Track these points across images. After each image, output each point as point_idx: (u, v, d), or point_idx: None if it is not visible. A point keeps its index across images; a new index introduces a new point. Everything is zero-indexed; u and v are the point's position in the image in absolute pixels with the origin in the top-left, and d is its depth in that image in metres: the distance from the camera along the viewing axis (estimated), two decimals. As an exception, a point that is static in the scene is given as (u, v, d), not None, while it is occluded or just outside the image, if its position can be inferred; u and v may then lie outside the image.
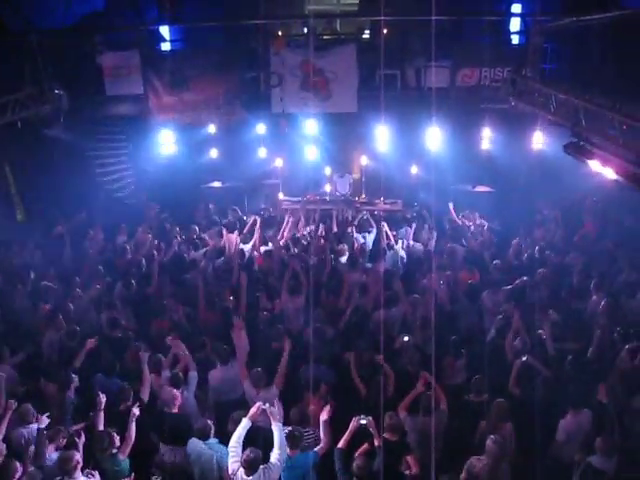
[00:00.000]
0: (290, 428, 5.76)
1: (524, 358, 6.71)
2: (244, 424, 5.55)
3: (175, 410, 6.26)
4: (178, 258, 10.34)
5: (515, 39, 12.92)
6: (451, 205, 12.22)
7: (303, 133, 13.06)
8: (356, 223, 11.94)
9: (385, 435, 5.71)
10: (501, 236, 11.60)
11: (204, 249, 10.74)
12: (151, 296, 8.93)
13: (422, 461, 5.59)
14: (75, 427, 6.17)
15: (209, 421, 5.92)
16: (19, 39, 9.75)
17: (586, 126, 7.84)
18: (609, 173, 7.10)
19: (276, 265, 9.85)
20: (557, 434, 6.13)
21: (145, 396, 6.43)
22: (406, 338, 7.42)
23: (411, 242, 11.03)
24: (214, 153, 13.59)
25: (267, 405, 5.66)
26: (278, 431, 5.52)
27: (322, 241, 10.77)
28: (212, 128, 13.38)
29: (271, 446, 5.47)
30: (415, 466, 5.59)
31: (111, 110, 14.16)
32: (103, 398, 6.01)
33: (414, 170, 13.49)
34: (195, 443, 5.74)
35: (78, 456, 5.30)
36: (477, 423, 6.18)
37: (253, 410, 5.64)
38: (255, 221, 11.32)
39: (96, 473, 5.40)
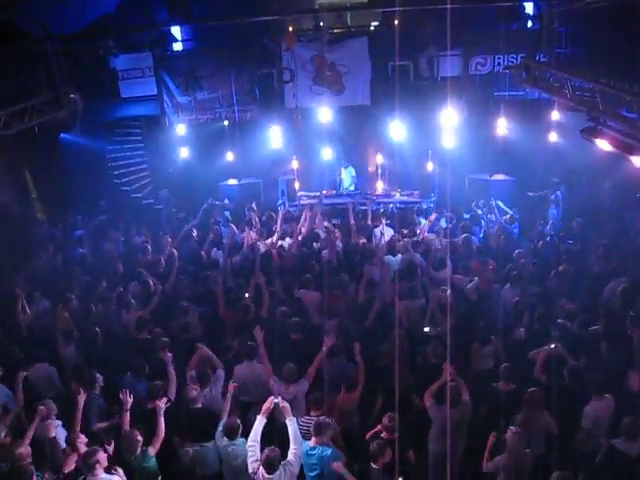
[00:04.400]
0: (316, 418, 5.79)
1: (552, 346, 6.64)
2: (259, 421, 5.54)
3: (199, 405, 6.29)
4: (196, 256, 10.37)
5: (528, 24, 12.76)
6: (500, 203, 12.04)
7: (318, 127, 13.06)
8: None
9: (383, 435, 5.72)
10: (520, 225, 11.50)
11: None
12: (169, 295, 8.98)
13: (445, 451, 5.59)
14: (99, 425, 6.26)
15: (237, 420, 5.89)
16: (34, 45, 9.86)
17: (603, 109, 7.73)
18: (627, 156, 7.02)
19: (293, 260, 9.87)
20: (583, 421, 6.07)
21: (172, 395, 6.47)
22: (427, 329, 7.40)
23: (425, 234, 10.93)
24: (229, 151, 13.63)
25: (279, 399, 5.66)
26: (292, 426, 5.51)
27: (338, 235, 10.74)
28: (226, 126, 13.42)
29: (287, 441, 5.47)
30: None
31: (126, 112, 14.32)
32: (130, 398, 6.01)
33: (430, 160, 13.41)
34: (223, 441, 5.77)
35: (101, 453, 5.34)
36: (505, 412, 6.14)
37: (266, 405, 5.61)
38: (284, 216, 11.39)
39: (119, 470, 5.44)
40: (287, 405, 5.67)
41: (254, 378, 6.84)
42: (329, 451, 5.61)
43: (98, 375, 6.66)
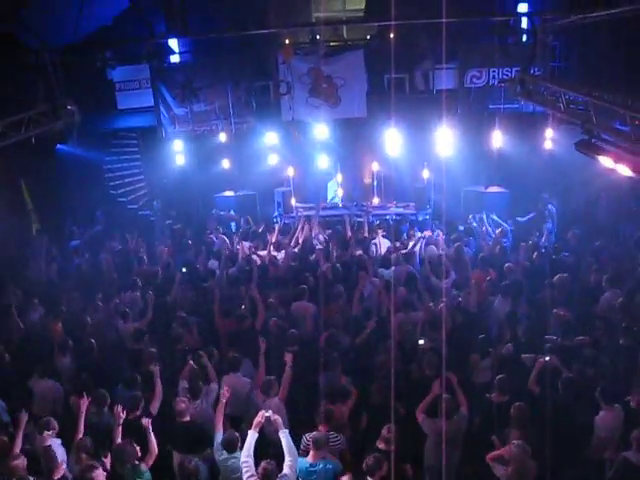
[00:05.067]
0: (315, 433, 5.73)
1: (547, 358, 6.66)
2: (251, 436, 5.50)
3: (187, 419, 6.25)
4: (193, 267, 10.38)
5: (523, 38, 12.90)
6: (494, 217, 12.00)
7: (314, 140, 13.11)
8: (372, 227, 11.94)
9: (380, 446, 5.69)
10: (515, 237, 11.54)
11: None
12: (167, 306, 8.96)
13: (440, 464, 5.58)
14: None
15: (236, 433, 5.85)
16: (32, 57, 9.90)
17: (597, 123, 7.79)
18: (622, 170, 7.06)
19: (287, 272, 9.89)
20: (596, 431, 6.06)
21: (154, 410, 6.43)
22: (421, 341, 7.40)
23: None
24: (225, 162, 13.65)
25: (270, 412, 5.64)
26: (285, 438, 5.50)
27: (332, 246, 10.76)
28: (223, 138, 13.46)
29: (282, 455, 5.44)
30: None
31: (123, 123, 14.37)
32: (123, 413, 5.98)
33: (425, 173, 13.48)
34: (222, 455, 5.72)
35: (99, 471, 5.27)
36: (498, 423, 6.13)
37: (257, 419, 5.58)
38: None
39: None
40: (278, 418, 5.65)
41: (238, 391, 6.77)
42: (331, 465, 5.57)
43: (106, 394, 6.57)
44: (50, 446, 5.82)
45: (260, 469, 5.18)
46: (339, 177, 14.13)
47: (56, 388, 7.11)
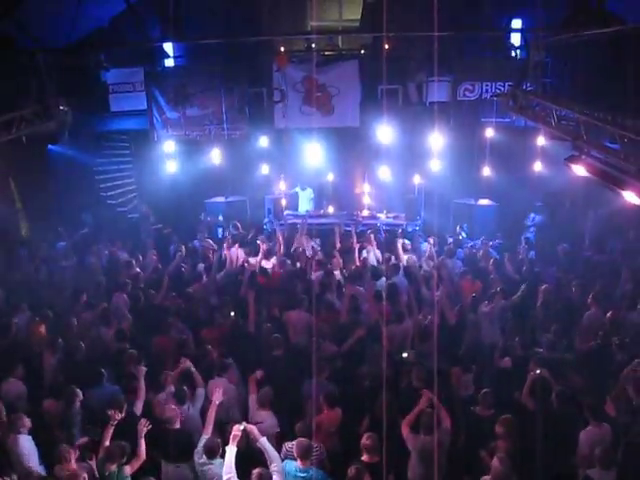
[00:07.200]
0: (298, 441, 5.67)
1: (538, 371, 6.67)
2: (230, 451, 5.41)
3: (177, 426, 6.18)
4: (178, 272, 10.35)
5: (516, 54, 13.02)
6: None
7: (305, 147, 13.13)
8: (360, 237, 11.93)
9: (363, 458, 5.64)
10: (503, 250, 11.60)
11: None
12: (151, 309, 8.91)
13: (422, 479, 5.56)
14: (81, 440, 6.08)
15: (218, 439, 5.78)
16: (25, 56, 9.86)
17: (587, 140, 7.87)
18: (610, 187, 7.12)
19: (278, 280, 9.87)
20: (579, 447, 6.01)
21: (138, 410, 6.39)
22: (405, 354, 7.39)
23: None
24: (217, 168, 13.62)
25: (244, 424, 5.60)
26: (266, 445, 5.47)
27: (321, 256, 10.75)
28: (215, 143, 13.43)
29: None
30: None
31: (115, 125, 14.31)
32: (117, 415, 5.92)
33: (416, 184, 13.53)
34: (201, 459, 5.66)
35: (84, 473, 5.23)
36: (483, 437, 6.13)
37: (235, 433, 5.48)
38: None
39: None
40: (254, 428, 5.63)
41: (226, 395, 6.67)
42: (321, 474, 5.51)
43: (78, 390, 6.52)
44: (22, 452, 5.80)
45: (255, 475, 5.10)
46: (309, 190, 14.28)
47: (21, 389, 6.99)
